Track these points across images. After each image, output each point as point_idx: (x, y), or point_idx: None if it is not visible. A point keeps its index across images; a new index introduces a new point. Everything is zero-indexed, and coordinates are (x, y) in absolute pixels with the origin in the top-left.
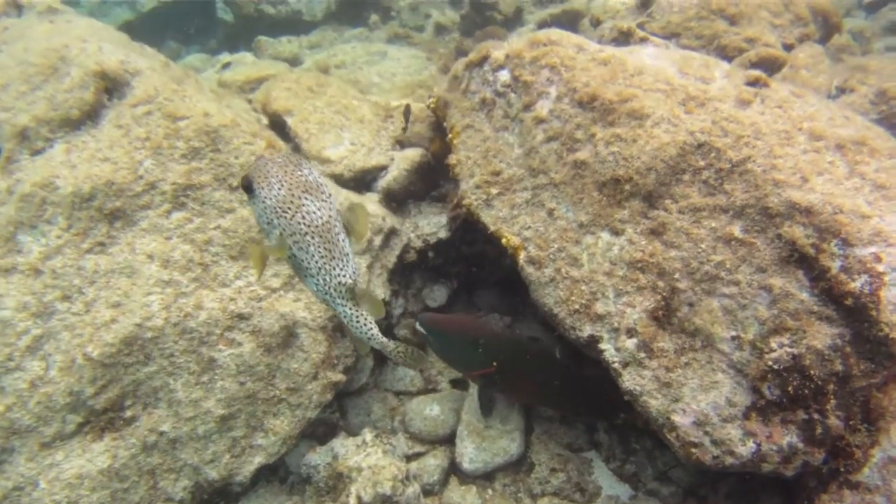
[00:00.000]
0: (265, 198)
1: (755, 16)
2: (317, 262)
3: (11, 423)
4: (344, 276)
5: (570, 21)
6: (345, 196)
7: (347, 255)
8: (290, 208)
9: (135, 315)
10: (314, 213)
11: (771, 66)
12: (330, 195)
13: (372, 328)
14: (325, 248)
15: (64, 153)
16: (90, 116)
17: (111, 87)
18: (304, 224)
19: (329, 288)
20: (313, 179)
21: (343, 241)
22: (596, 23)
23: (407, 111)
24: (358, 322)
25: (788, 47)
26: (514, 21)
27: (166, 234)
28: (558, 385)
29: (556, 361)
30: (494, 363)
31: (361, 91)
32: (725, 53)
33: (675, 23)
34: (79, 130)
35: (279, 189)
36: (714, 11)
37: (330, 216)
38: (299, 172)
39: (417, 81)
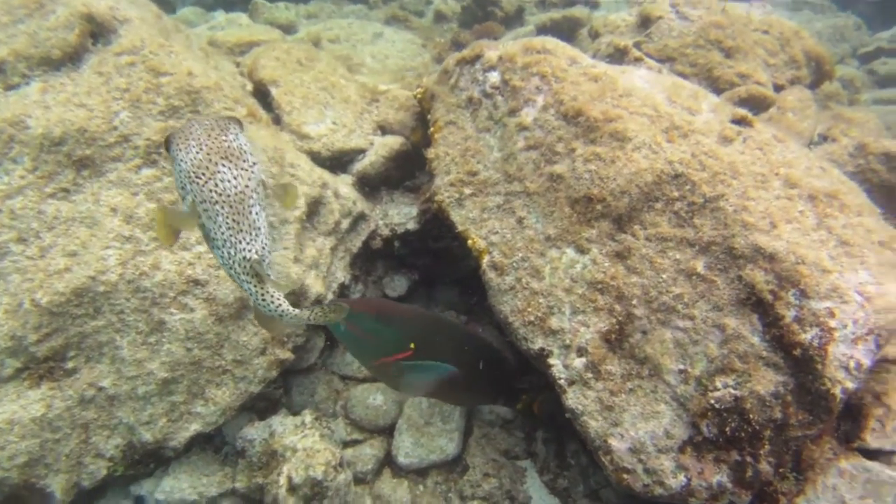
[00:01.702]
0: (181, 160)
1: (751, 52)
2: (223, 234)
3: None
4: (249, 250)
5: (570, 28)
6: (318, 174)
7: (259, 229)
8: (203, 174)
9: (89, 267)
10: (228, 181)
11: (759, 104)
12: (253, 164)
13: (281, 304)
14: (232, 220)
15: (39, 92)
16: (71, 59)
17: (97, 31)
18: (216, 192)
19: (233, 262)
20: (237, 146)
21: (256, 214)
22: (594, 35)
23: None
24: (264, 300)
25: (779, 88)
26: (514, 20)
27: (133, 190)
28: (479, 370)
29: (481, 342)
30: (412, 345)
31: (351, 69)
32: (717, 85)
33: (672, 47)
34: (58, 71)
35: (197, 153)
36: (711, 42)
37: (246, 186)
38: (223, 137)
39: (409, 67)
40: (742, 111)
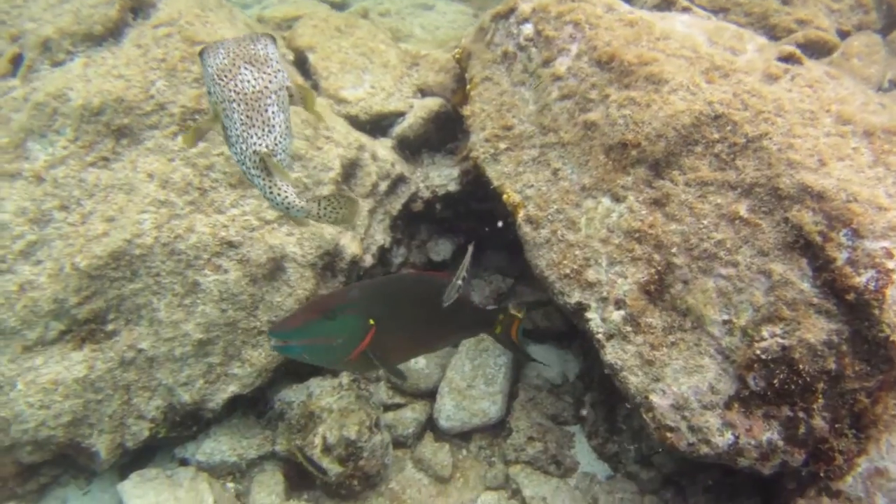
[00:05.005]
0: (209, 66)
1: None
2: (236, 130)
3: None
4: (259, 145)
5: None
6: (355, 137)
7: (273, 127)
8: (226, 76)
9: (126, 231)
10: (248, 82)
11: (819, 49)
12: (277, 71)
13: (288, 195)
14: (246, 116)
15: (82, 67)
16: (113, 34)
17: (136, 6)
18: (235, 91)
19: (245, 157)
20: (263, 53)
21: (273, 113)
22: None
23: None
24: (272, 192)
25: (844, 34)
26: None
27: (169, 156)
28: (448, 317)
29: (433, 280)
30: (371, 321)
31: (399, 40)
32: (774, 34)
33: None
34: (100, 46)
35: (223, 58)
36: None
37: (265, 87)
38: (252, 46)
39: (459, 37)
40: (790, 48)
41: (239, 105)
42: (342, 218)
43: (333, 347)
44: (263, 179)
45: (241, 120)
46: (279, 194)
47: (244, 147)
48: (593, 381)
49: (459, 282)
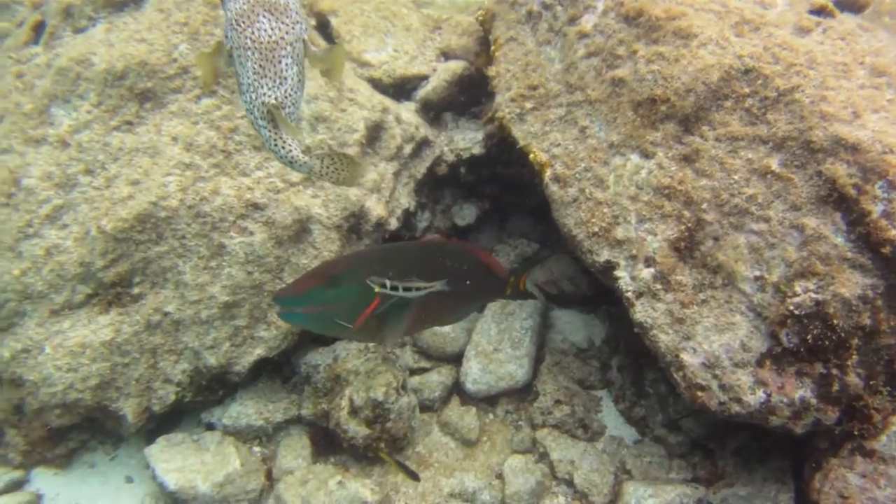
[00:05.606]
0: (228, 10)
1: None
2: (248, 79)
3: (25, 288)
4: (269, 96)
5: None
6: (379, 100)
7: (285, 79)
8: (243, 22)
9: (151, 193)
10: (264, 30)
11: (850, 7)
12: (297, 22)
13: (292, 150)
14: (259, 65)
15: (104, 32)
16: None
17: None
18: (250, 39)
19: (253, 107)
20: (284, 3)
21: (286, 66)
22: None
23: None
24: (276, 145)
25: None
26: None
27: (193, 119)
28: (458, 286)
29: (442, 248)
30: (377, 290)
31: (420, 6)
32: None
33: None
34: (122, 12)
35: (243, 4)
36: None
37: (281, 38)
38: None
39: (480, 3)
40: (822, 0)
41: (253, 53)
42: (344, 179)
43: (336, 315)
44: (269, 131)
45: (254, 69)
46: (283, 147)
47: (254, 96)
48: (620, 345)
49: (400, 293)
